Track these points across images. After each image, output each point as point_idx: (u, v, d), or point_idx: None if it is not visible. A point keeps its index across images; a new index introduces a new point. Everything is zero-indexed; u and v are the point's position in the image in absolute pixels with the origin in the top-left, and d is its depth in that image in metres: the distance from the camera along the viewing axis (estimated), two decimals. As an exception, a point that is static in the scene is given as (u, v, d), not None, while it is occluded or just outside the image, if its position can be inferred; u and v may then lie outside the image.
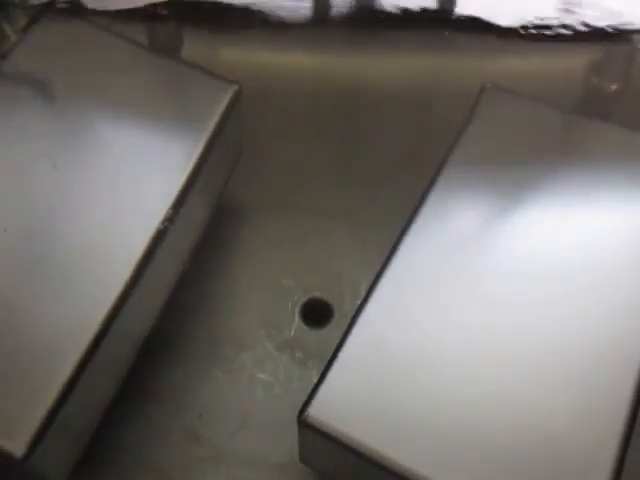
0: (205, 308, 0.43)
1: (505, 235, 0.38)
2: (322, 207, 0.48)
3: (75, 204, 0.36)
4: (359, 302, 0.35)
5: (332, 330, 0.43)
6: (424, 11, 0.54)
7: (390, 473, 0.31)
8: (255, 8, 0.55)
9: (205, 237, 0.42)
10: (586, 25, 0.54)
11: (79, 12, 0.50)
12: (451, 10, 0.55)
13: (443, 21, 0.55)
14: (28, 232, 0.35)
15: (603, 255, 0.36)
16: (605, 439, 0.31)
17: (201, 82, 0.41)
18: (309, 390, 0.33)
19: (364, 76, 0.54)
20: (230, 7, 0.54)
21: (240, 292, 0.44)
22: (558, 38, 0.54)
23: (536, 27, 0.54)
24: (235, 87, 0.41)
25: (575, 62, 0.54)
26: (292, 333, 0.43)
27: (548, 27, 0.54)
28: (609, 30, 0.54)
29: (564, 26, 0.54)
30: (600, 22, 0.54)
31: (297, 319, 0.43)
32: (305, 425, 0.32)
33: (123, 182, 0.37)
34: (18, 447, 0.30)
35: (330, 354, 0.33)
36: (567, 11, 0.55)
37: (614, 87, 0.52)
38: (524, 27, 0.54)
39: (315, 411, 0.32)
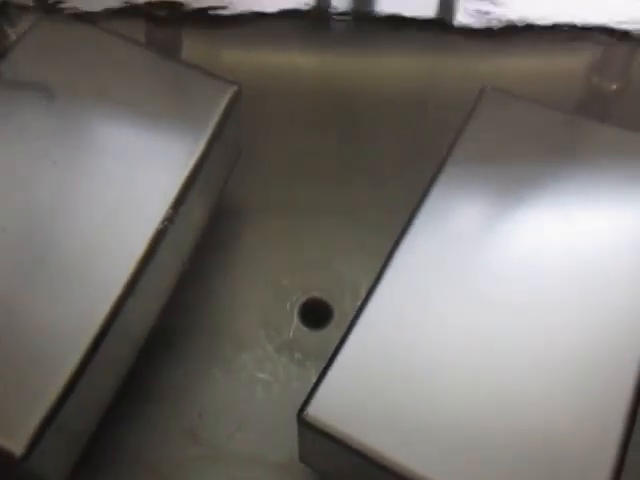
0: (204, 308, 0.43)
1: (505, 236, 0.38)
2: (322, 207, 0.48)
3: (74, 204, 0.36)
4: (359, 302, 0.35)
5: (332, 331, 0.43)
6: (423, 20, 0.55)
7: (390, 473, 0.31)
8: (255, 9, 0.55)
9: (205, 237, 0.42)
10: (586, 25, 0.54)
11: (79, 13, 0.50)
12: (450, 19, 0.55)
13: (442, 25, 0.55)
14: (27, 232, 0.35)
15: (602, 255, 0.36)
16: (605, 440, 0.31)
17: (201, 82, 0.41)
18: (308, 390, 0.33)
19: (364, 77, 0.54)
20: (230, 7, 0.55)
21: (239, 292, 0.44)
22: (558, 38, 0.54)
23: (536, 27, 0.54)
24: (234, 87, 0.41)
25: (575, 62, 0.54)
26: (291, 333, 0.43)
27: (548, 27, 0.54)
28: (609, 30, 0.54)
29: (563, 26, 0.54)
30: (600, 22, 0.54)
31: (296, 319, 0.43)
32: (305, 424, 0.32)
33: (123, 182, 0.37)
34: (17, 446, 0.30)
35: (329, 354, 0.33)
36: (566, 10, 0.55)
37: (614, 87, 0.52)
38: (524, 27, 0.54)
39: (315, 410, 0.32)
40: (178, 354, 0.42)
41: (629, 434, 0.31)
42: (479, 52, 0.55)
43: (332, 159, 0.50)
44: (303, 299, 0.44)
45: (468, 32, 0.55)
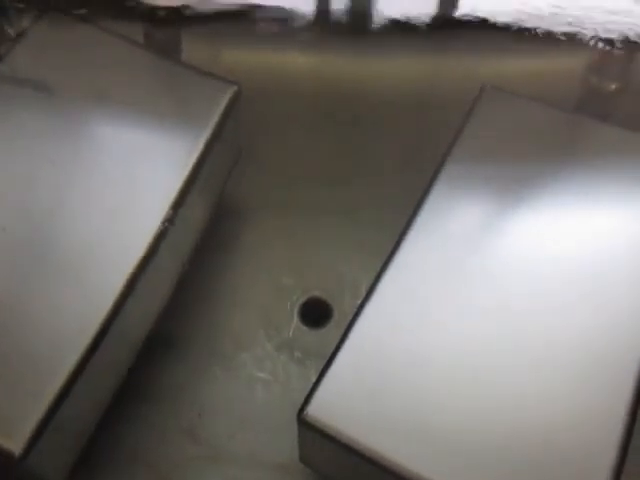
0: (204, 307, 0.43)
1: (505, 236, 0.37)
2: (322, 207, 0.48)
3: (74, 204, 0.36)
4: (359, 302, 0.35)
5: (331, 330, 0.43)
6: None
7: (389, 473, 0.31)
8: (255, 9, 0.55)
9: (205, 237, 0.42)
10: (585, 25, 0.54)
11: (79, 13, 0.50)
12: (452, 14, 0.55)
13: (442, 23, 0.55)
14: (27, 232, 0.35)
15: (602, 255, 0.36)
16: (605, 442, 0.31)
17: (200, 83, 0.41)
18: (308, 390, 0.32)
19: (363, 77, 0.54)
20: (230, 7, 0.55)
21: (239, 292, 0.44)
22: (557, 38, 0.54)
23: (535, 27, 0.54)
24: (234, 88, 0.41)
25: (575, 62, 0.54)
26: (291, 333, 0.43)
27: (547, 27, 0.54)
28: (609, 30, 0.54)
29: (563, 26, 0.54)
30: (600, 22, 0.54)
31: (296, 318, 0.43)
32: (305, 424, 0.32)
33: (123, 182, 0.37)
34: (16, 446, 0.30)
35: (329, 354, 0.33)
36: (566, 11, 0.55)
37: (614, 87, 0.52)
38: (523, 27, 0.54)
39: (315, 410, 0.32)
40: (177, 353, 0.42)
41: (629, 436, 0.31)
42: (479, 52, 0.55)
43: (332, 159, 0.50)
44: (303, 298, 0.44)
45: (468, 32, 0.55)
